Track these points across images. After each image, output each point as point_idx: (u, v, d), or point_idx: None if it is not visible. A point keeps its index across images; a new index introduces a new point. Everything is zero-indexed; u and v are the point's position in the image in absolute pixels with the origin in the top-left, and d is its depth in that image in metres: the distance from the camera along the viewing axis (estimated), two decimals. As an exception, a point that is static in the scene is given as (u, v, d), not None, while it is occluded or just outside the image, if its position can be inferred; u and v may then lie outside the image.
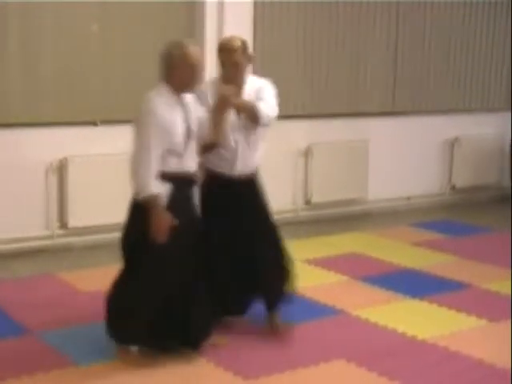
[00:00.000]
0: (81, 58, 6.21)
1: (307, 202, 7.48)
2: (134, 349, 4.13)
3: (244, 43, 4.23)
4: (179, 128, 3.90)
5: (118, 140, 6.18)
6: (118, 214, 6.44)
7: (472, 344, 4.43)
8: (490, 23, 8.49)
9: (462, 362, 4.20)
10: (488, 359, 4.20)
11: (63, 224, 6.25)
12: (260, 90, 4.27)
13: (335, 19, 7.36)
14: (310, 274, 5.72)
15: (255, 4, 6.81)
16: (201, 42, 6.64)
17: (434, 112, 8.29)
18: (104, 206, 6.28)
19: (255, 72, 4.77)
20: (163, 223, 3.85)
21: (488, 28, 8.49)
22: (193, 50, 3.90)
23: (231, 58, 4.15)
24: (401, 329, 4.63)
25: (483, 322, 4.81)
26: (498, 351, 4.33)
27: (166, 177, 3.87)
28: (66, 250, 6.19)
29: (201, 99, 4.11)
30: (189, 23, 6.59)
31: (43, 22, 6.01)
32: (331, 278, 5.65)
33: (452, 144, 8.39)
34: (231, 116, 4.16)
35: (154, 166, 3.82)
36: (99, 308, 4.78)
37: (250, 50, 4.36)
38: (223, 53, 4.20)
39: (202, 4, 6.58)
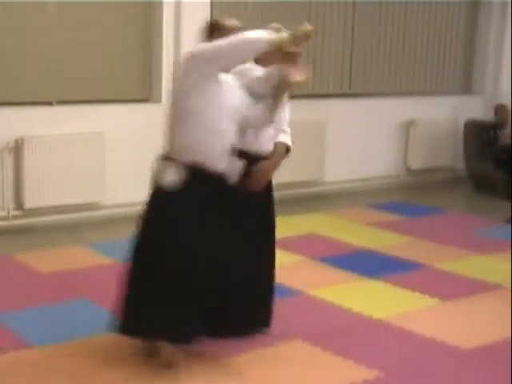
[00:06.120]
0: (37, 38, 6.14)
1: (265, 183, 7.49)
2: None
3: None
4: None
5: (74, 120, 6.14)
6: (75, 194, 6.43)
7: (425, 323, 4.53)
8: (446, 6, 8.58)
9: (415, 340, 4.29)
10: (439, 337, 4.30)
11: (19, 205, 6.19)
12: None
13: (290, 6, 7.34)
14: (267, 254, 5.77)
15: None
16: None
17: (390, 94, 8.37)
18: (60, 187, 6.24)
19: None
20: None
21: (442, 11, 8.58)
22: None
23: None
24: (356, 308, 4.70)
25: (436, 301, 4.91)
26: (449, 329, 4.43)
27: None
28: (23, 231, 6.14)
29: None
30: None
31: (-2, -1, 5.93)
32: (289, 258, 5.68)
33: (407, 126, 8.49)
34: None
35: None
36: (57, 289, 4.79)
37: None
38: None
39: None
